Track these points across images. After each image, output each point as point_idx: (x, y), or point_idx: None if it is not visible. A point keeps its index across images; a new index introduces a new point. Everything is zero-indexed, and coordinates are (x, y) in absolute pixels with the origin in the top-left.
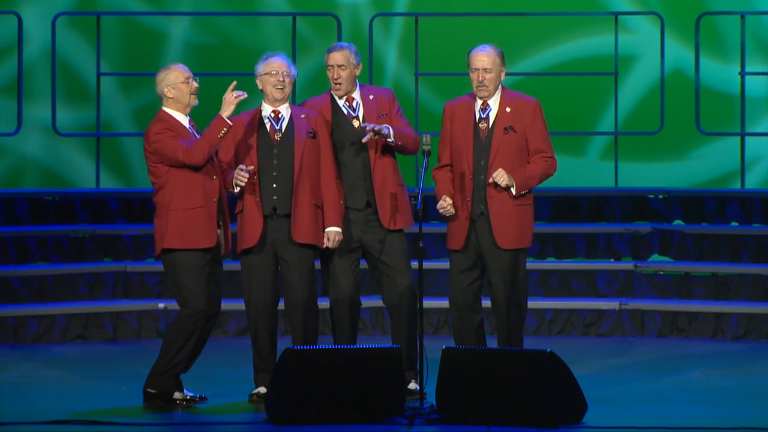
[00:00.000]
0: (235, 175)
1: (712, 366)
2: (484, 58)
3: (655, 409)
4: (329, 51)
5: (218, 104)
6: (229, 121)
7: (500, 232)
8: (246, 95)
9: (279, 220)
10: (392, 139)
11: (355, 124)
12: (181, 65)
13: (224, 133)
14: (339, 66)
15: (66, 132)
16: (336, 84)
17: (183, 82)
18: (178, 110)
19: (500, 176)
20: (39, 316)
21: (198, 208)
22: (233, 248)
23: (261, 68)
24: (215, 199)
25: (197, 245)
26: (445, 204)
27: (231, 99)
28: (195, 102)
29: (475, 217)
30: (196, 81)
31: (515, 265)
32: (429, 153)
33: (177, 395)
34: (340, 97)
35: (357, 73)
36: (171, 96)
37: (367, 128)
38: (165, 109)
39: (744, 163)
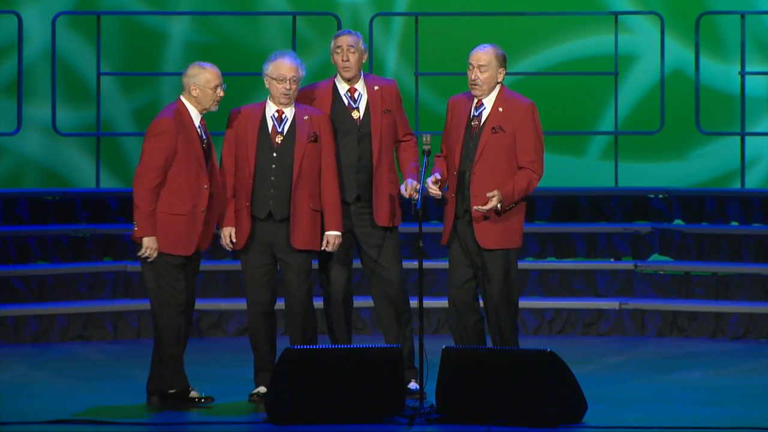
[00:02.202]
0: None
1: (712, 366)
2: (481, 55)
3: (655, 408)
4: (338, 35)
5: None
6: (137, 236)
7: (481, 232)
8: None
9: (276, 223)
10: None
11: (354, 115)
12: (216, 69)
13: (134, 227)
14: (349, 47)
15: (66, 132)
16: (345, 68)
17: (212, 89)
18: (194, 106)
19: (491, 202)
20: (39, 316)
21: (182, 216)
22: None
23: (269, 69)
24: (203, 209)
25: (173, 251)
26: (433, 178)
27: (145, 251)
28: (214, 109)
29: (459, 213)
30: (223, 90)
31: (505, 266)
32: (429, 153)
33: (193, 394)
34: (347, 80)
35: (363, 60)
36: (195, 95)
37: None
38: (183, 99)
39: (744, 163)
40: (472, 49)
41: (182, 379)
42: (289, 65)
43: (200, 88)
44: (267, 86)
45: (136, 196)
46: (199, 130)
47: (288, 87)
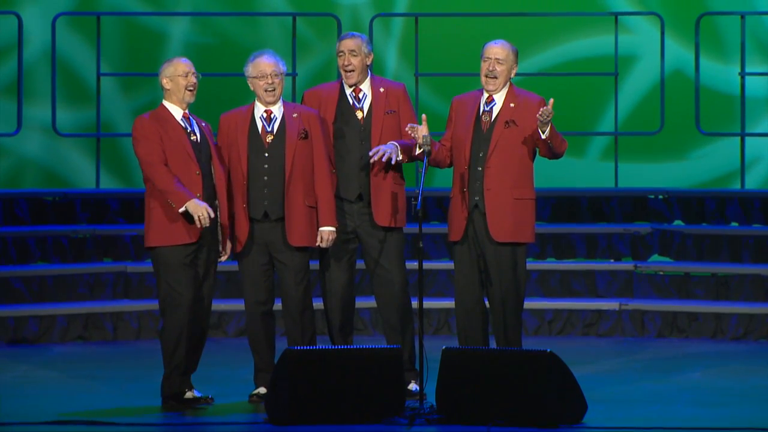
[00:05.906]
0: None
1: (712, 366)
2: (498, 49)
3: (655, 409)
4: (341, 39)
5: (216, 104)
6: (181, 209)
7: (494, 224)
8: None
9: (272, 222)
10: (399, 157)
11: (358, 115)
12: (184, 59)
13: (173, 205)
14: (350, 51)
15: (66, 132)
16: (347, 72)
17: (180, 76)
18: (174, 103)
19: (550, 107)
20: (39, 316)
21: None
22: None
23: (249, 70)
24: (198, 194)
25: (177, 241)
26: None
27: (199, 215)
28: (190, 98)
29: (470, 209)
30: (195, 77)
31: (513, 262)
32: (429, 153)
33: (188, 395)
34: (350, 86)
35: (368, 63)
36: (168, 88)
37: (373, 157)
38: (164, 102)
39: (744, 163)
40: (486, 44)
41: (177, 384)
42: (267, 62)
43: (170, 78)
44: (252, 88)
45: (157, 182)
46: (182, 122)
47: (270, 81)
